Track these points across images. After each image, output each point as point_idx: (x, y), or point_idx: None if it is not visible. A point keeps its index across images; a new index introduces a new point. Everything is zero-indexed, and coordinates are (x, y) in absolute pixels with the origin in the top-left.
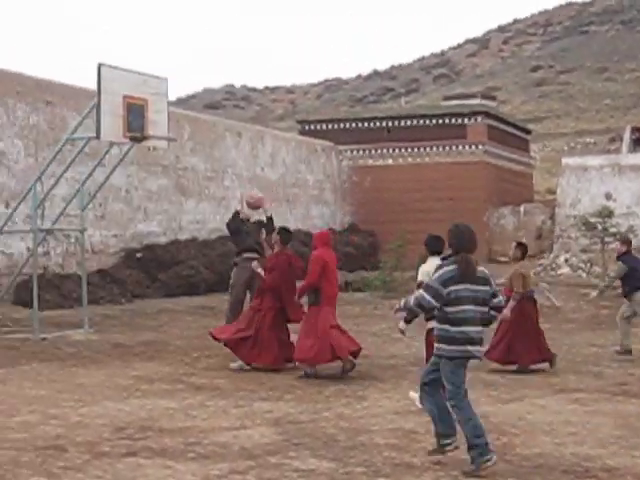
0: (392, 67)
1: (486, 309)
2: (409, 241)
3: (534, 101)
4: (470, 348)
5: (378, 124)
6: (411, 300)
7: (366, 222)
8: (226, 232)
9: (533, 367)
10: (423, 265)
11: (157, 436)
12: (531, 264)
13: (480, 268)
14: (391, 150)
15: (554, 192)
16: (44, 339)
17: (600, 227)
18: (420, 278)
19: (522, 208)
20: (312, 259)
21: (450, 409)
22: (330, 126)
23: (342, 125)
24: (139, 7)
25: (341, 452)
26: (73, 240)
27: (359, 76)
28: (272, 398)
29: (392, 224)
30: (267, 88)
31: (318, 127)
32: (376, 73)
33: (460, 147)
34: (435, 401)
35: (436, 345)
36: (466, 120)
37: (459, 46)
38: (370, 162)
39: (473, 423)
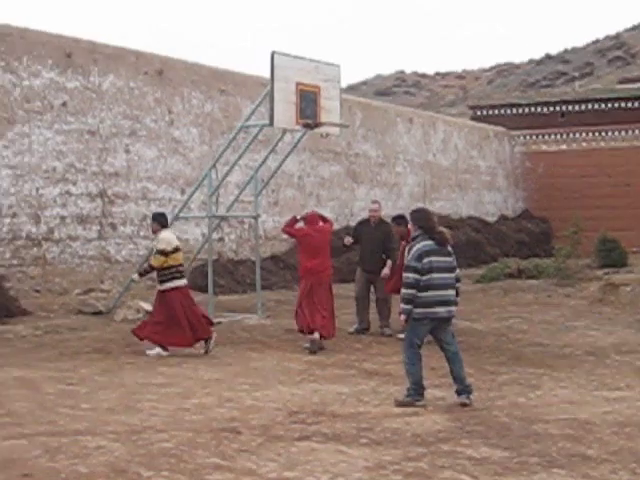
0: (565, 50)
1: (453, 275)
2: (584, 228)
3: None
4: (438, 309)
5: (552, 109)
6: (402, 293)
7: (539, 209)
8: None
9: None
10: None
11: (330, 421)
12: None
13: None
14: (565, 135)
15: None
16: (218, 323)
17: None
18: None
19: None
20: None
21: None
22: (502, 111)
23: (515, 110)
24: None
25: (514, 441)
26: (247, 226)
27: (531, 60)
28: (444, 385)
29: (566, 210)
30: (438, 74)
31: (490, 112)
32: (549, 57)
33: (637, 131)
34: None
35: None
36: None
37: (635, 28)
38: (544, 147)
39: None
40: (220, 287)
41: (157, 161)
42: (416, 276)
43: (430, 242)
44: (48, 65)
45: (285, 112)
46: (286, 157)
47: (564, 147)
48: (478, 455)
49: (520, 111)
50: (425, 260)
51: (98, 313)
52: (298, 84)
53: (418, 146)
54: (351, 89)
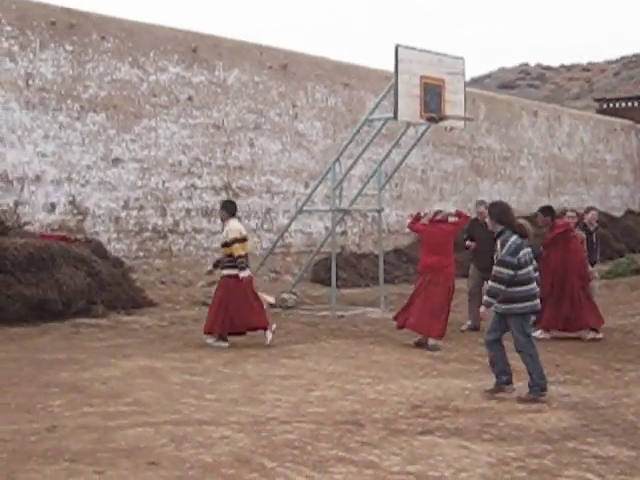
0: None
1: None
2: None
3: None
4: (536, 302)
5: None
6: (491, 287)
7: None
8: None
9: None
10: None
11: (453, 416)
12: None
13: None
14: None
15: None
16: (341, 316)
17: None
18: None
19: None
20: None
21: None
22: (630, 104)
23: None
24: None
25: None
26: (370, 220)
27: None
28: (569, 382)
29: None
30: (562, 66)
31: (617, 105)
32: None
33: None
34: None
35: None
36: None
37: None
38: None
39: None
40: (343, 280)
41: (281, 155)
42: (510, 272)
43: (516, 235)
44: (174, 60)
45: (409, 105)
46: (410, 151)
47: None
48: (604, 454)
49: None
50: (520, 254)
51: None
52: (422, 77)
53: (543, 140)
54: (474, 82)
